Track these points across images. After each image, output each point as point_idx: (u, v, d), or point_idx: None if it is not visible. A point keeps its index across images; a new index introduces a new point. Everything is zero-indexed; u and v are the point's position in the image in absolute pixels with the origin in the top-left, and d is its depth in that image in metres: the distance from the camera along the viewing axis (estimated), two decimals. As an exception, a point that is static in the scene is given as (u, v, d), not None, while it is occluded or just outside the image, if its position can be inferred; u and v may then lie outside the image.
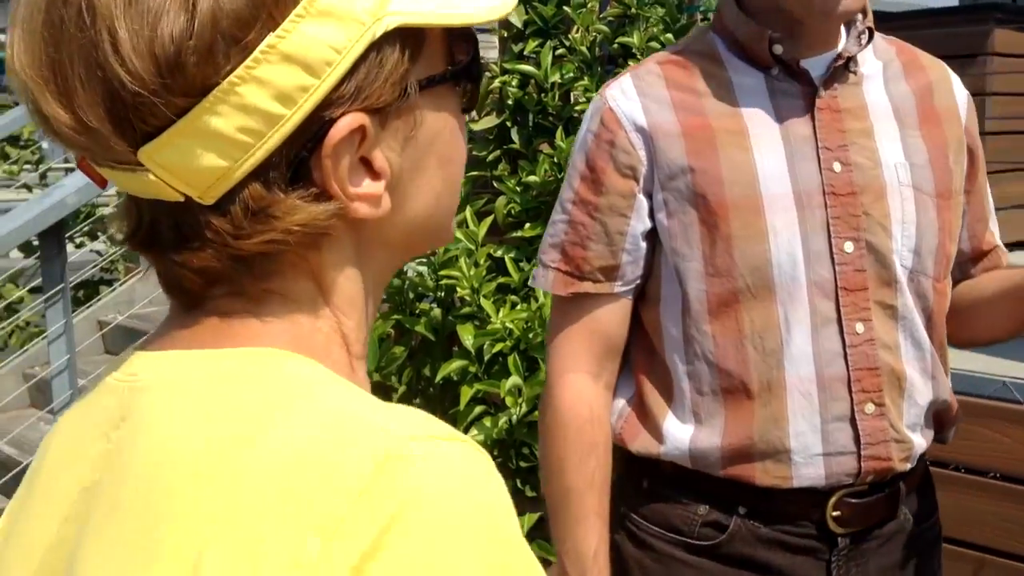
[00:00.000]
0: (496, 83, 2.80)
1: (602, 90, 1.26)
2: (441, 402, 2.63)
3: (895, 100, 1.23)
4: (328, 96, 0.50)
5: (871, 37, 1.23)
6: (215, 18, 0.47)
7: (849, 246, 1.16)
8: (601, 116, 1.24)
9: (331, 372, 0.53)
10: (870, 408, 1.17)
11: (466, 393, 2.41)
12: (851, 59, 1.20)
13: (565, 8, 2.75)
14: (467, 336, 2.46)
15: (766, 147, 1.18)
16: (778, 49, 1.18)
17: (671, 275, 1.21)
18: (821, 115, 1.19)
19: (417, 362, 2.70)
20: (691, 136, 1.19)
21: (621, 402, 1.30)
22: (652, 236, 1.23)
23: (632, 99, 1.22)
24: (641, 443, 1.25)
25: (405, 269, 2.72)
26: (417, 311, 2.71)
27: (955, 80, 1.31)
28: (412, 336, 2.72)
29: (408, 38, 0.53)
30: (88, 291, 4.54)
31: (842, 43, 1.21)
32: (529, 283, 1.31)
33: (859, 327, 1.16)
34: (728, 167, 1.17)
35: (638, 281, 1.24)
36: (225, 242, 0.51)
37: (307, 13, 0.49)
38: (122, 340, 3.98)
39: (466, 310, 2.55)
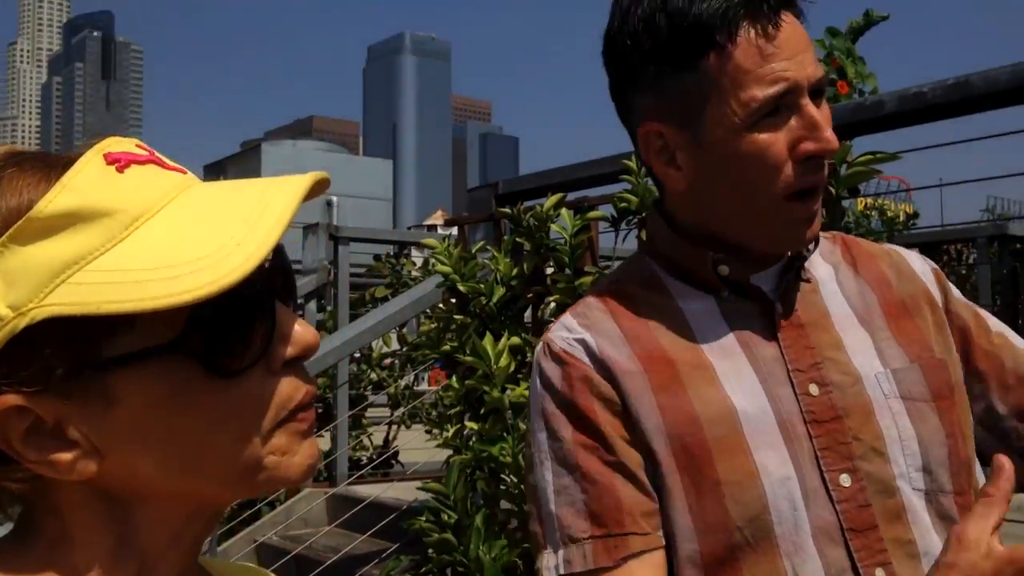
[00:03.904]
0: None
1: (544, 338, 1.13)
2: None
3: (855, 303, 1.13)
4: None
5: (817, 241, 1.15)
6: None
7: (846, 479, 1.02)
8: (560, 358, 1.09)
9: None
10: None
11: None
12: (801, 267, 1.12)
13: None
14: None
15: (735, 378, 1.05)
16: (724, 270, 1.09)
17: None
18: (784, 333, 1.08)
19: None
20: (653, 371, 1.06)
21: None
22: None
23: (581, 333, 1.09)
24: None
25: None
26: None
27: (912, 258, 1.20)
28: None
29: (81, 323, 0.54)
30: (249, 509, 4.77)
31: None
32: (548, 575, 1.05)
33: (879, 574, 1.00)
34: (701, 404, 1.03)
35: None
36: None
37: None
38: (272, 559, 4.19)
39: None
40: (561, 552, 1.05)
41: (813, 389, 1.05)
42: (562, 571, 1.04)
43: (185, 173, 0.62)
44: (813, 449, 1.03)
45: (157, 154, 0.62)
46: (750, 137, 1.02)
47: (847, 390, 1.06)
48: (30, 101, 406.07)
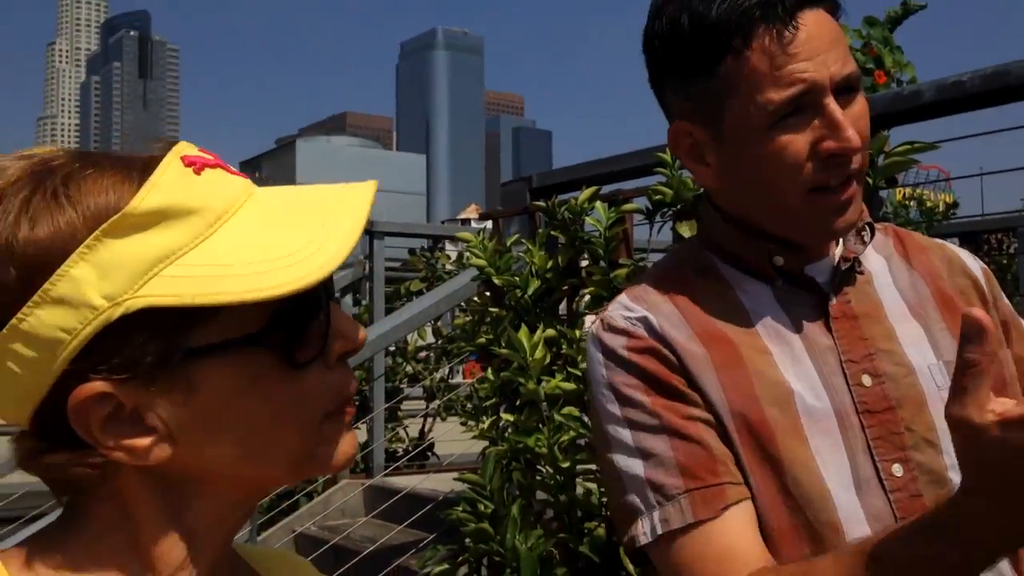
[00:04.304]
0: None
1: (600, 316, 1.13)
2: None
3: (908, 296, 1.14)
4: (69, 367, 0.57)
5: (872, 232, 1.14)
6: None
7: (898, 469, 1.03)
8: (623, 330, 1.08)
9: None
10: None
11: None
12: (856, 259, 1.12)
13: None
14: (628, 560, 2.65)
15: (792, 364, 1.06)
16: (779, 260, 1.10)
17: None
18: (837, 324, 1.08)
19: (580, 585, 2.85)
20: (713, 350, 1.05)
21: None
22: None
23: (641, 312, 1.09)
24: None
25: (574, 486, 2.94)
26: (584, 530, 2.95)
27: (964, 254, 1.21)
28: (578, 557, 2.92)
29: (171, 314, 0.57)
30: (287, 500, 4.86)
31: (842, 243, 1.13)
32: (646, 540, 1.01)
33: None
34: (760, 384, 1.04)
35: None
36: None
37: (43, 300, 0.56)
38: (310, 548, 4.24)
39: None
40: (656, 513, 1.01)
41: (866, 380, 1.06)
42: (660, 531, 1.00)
43: (246, 178, 0.65)
44: (866, 439, 1.04)
45: (220, 159, 0.65)
46: (770, 137, 1.03)
47: (900, 381, 1.07)
48: (69, 100, 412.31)
